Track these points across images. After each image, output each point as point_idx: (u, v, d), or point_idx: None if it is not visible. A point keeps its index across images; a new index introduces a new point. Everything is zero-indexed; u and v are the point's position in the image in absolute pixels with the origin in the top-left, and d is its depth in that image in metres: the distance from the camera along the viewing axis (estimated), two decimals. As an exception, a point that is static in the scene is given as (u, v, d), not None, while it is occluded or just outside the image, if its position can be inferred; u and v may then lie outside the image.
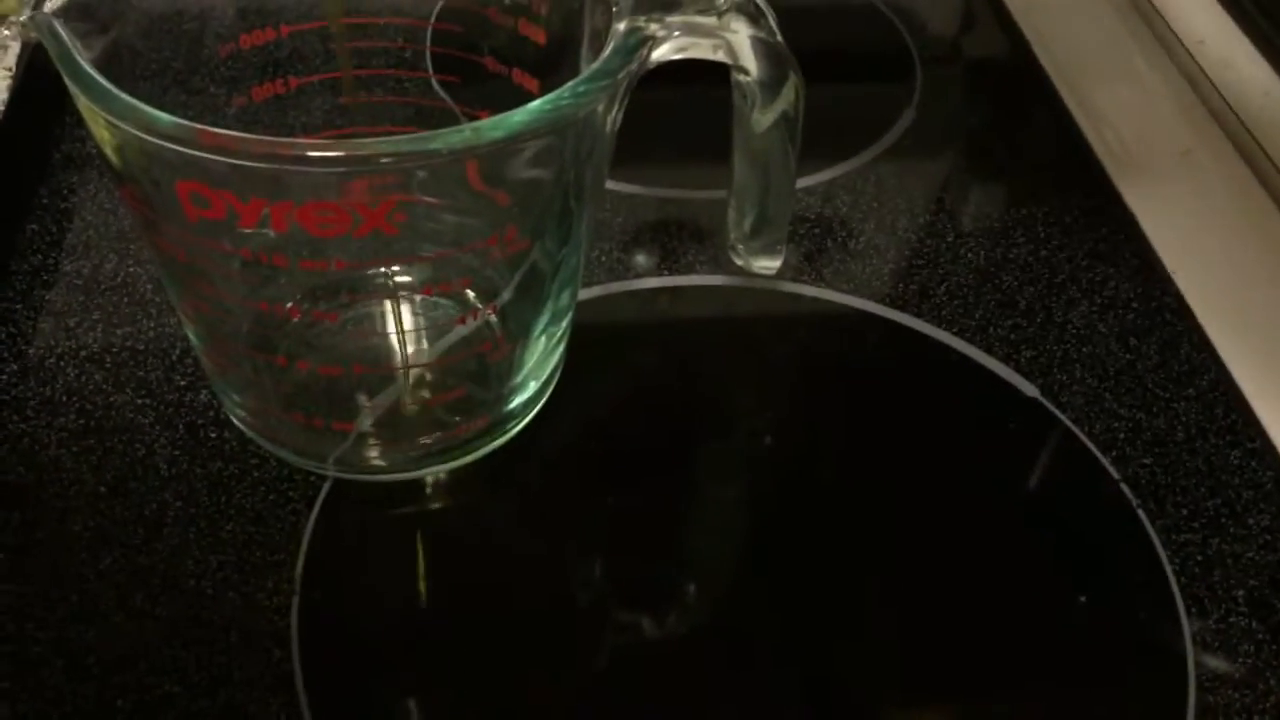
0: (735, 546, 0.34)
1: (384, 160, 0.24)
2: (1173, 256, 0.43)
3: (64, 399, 0.35)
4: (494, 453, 0.34)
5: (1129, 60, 0.53)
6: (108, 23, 0.28)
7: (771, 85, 0.29)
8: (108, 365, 0.36)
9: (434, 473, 0.33)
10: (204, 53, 0.32)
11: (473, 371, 0.33)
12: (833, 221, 0.43)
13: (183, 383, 0.36)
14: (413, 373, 0.31)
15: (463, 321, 0.31)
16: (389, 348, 0.31)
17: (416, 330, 0.32)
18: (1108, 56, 0.53)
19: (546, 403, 0.35)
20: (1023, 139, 0.49)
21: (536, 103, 0.25)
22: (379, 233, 0.25)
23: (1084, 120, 0.48)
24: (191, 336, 0.32)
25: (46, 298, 0.38)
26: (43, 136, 0.43)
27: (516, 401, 0.33)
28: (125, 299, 0.38)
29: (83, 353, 0.36)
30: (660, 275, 0.40)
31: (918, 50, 0.51)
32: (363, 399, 0.32)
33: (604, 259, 0.40)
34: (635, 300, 0.40)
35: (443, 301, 0.33)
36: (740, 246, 0.35)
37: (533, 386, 0.33)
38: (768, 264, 0.35)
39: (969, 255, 0.42)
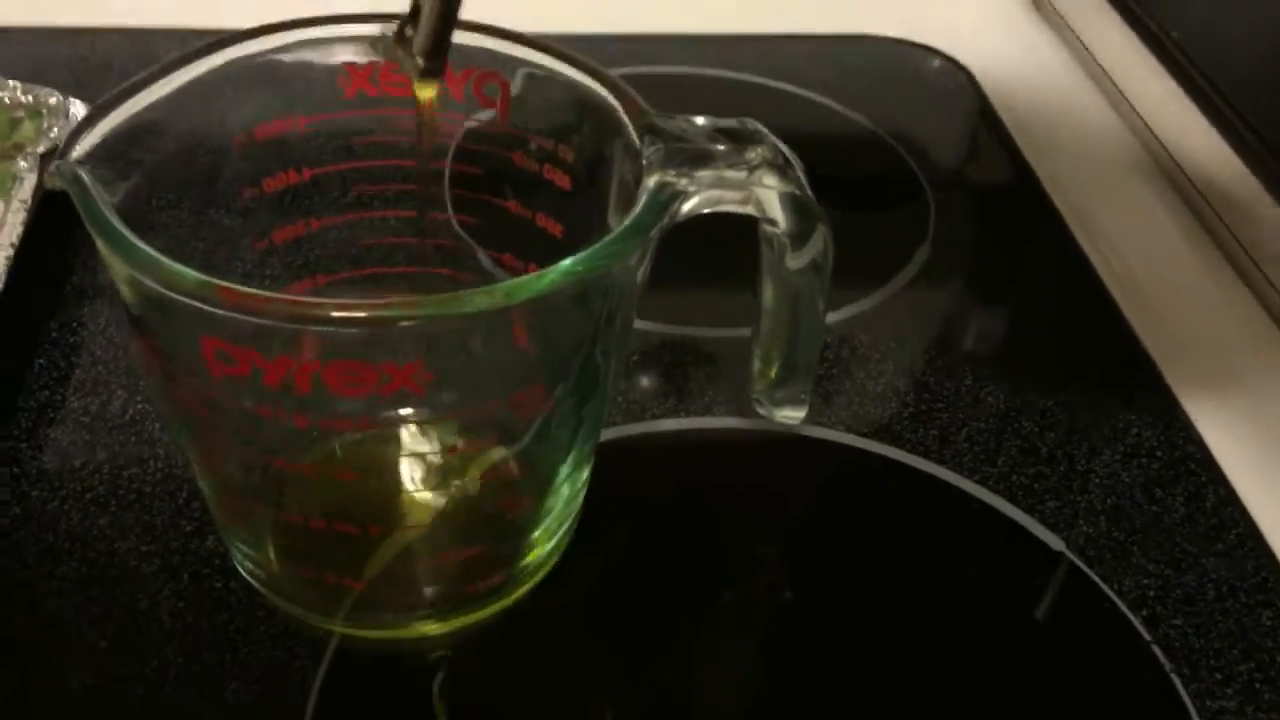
0: (756, 707, 0.33)
1: (411, 322, 0.23)
2: (1193, 402, 0.42)
3: (66, 545, 0.34)
4: (508, 608, 0.33)
5: (1133, 191, 0.53)
6: (130, 167, 0.28)
7: (800, 237, 0.29)
8: (113, 509, 0.35)
9: (445, 629, 0.32)
10: (225, 193, 0.32)
11: (490, 528, 0.32)
12: (851, 362, 0.42)
13: (189, 528, 0.35)
14: (429, 531, 0.30)
15: (484, 479, 0.30)
16: (406, 506, 0.30)
17: (435, 489, 0.31)
18: (1112, 187, 0.53)
19: (563, 556, 0.34)
20: (1037, 275, 0.49)
21: (568, 262, 0.24)
22: (405, 392, 0.25)
23: (1092, 252, 0.48)
24: (201, 485, 0.32)
25: (52, 436, 0.37)
26: (56, 267, 0.43)
27: (532, 557, 0.32)
28: (133, 438, 0.37)
29: (88, 495, 0.35)
30: (677, 417, 0.40)
31: (928, 181, 0.52)
32: (376, 556, 0.31)
33: (620, 399, 0.40)
34: (652, 443, 0.39)
35: (464, 459, 0.33)
36: (764, 398, 0.34)
37: (550, 542, 0.32)
38: (792, 414, 0.34)
39: (989, 399, 0.42)
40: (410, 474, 0.32)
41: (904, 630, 0.34)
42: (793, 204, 0.28)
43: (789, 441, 0.39)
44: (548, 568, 0.33)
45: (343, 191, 0.33)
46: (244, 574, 0.33)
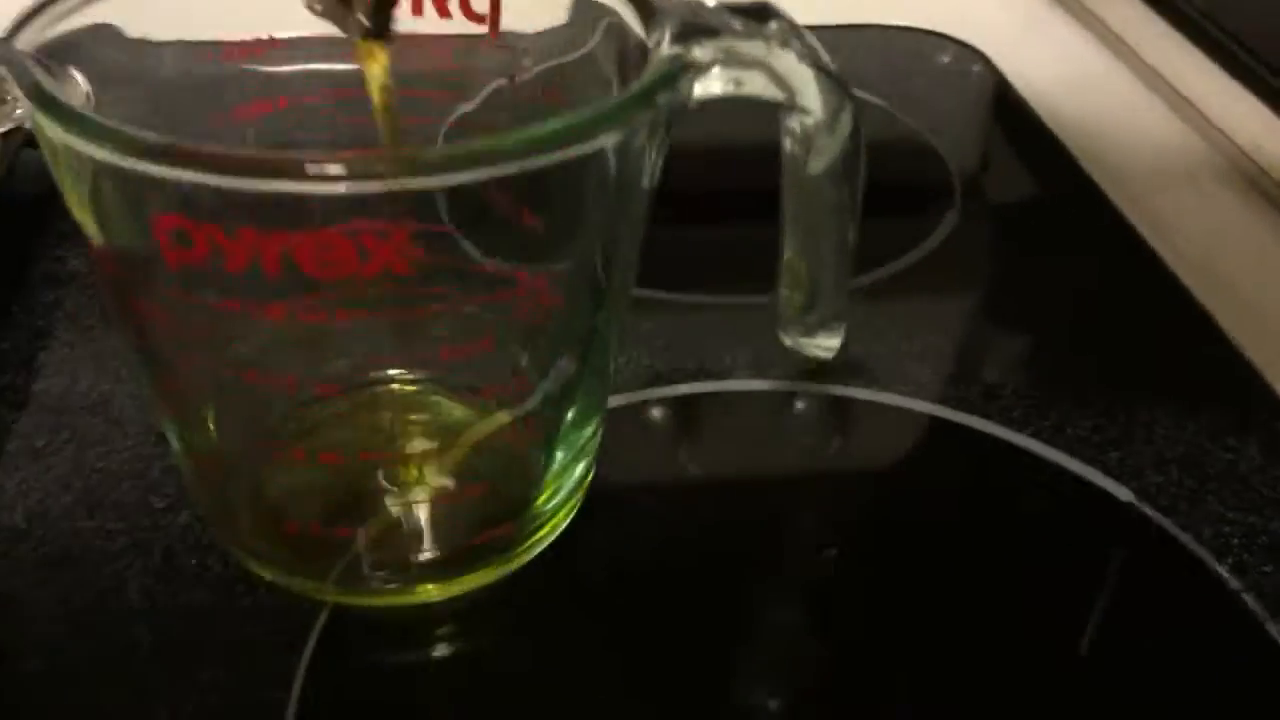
0: (797, 688, 0.29)
1: (393, 173, 0.20)
2: (1258, 351, 0.39)
3: (23, 526, 0.30)
4: (516, 575, 0.29)
5: (1174, 159, 0.50)
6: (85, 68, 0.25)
7: (828, 120, 0.26)
8: (76, 488, 0.32)
9: (447, 594, 0.28)
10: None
11: (495, 466, 0.28)
12: (882, 324, 0.39)
13: (160, 505, 0.31)
14: (427, 463, 0.27)
15: (483, 394, 0.27)
16: (401, 432, 0.27)
17: (432, 414, 0.27)
18: (1154, 160, 0.50)
19: (574, 520, 0.30)
20: (1076, 234, 0.46)
21: (570, 113, 0.21)
22: (390, 273, 0.21)
23: (1131, 211, 0.45)
24: (173, 440, 0.28)
25: (11, 419, 0.34)
26: (20, 253, 0.40)
27: (543, 504, 0.28)
28: (100, 418, 0.34)
29: (49, 474, 0.32)
30: (696, 381, 0.36)
31: (949, 153, 0.49)
32: (371, 500, 0.27)
33: (632, 365, 0.36)
34: (668, 408, 0.35)
35: (465, 375, 0.29)
36: (793, 327, 0.31)
37: (560, 492, 0.29)
38: (826, 343, 0.31)
39: (1040, 356, 0.38)
40: (403, 396, 0.29)
41: (968, 595, 0.31)
42: (818, 79, 0.25)
43: (820, 400, 0.36)
44: (558, 525, 0.29)
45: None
46: (224, 543, 0.29)
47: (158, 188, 0.21)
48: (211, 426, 0.28)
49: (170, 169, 0.20)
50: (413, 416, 0.31)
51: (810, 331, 0.30)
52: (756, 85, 0.25)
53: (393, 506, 0.27)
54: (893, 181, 0.46)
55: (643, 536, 0.32)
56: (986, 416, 0.35)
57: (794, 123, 0.26)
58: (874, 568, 0.31)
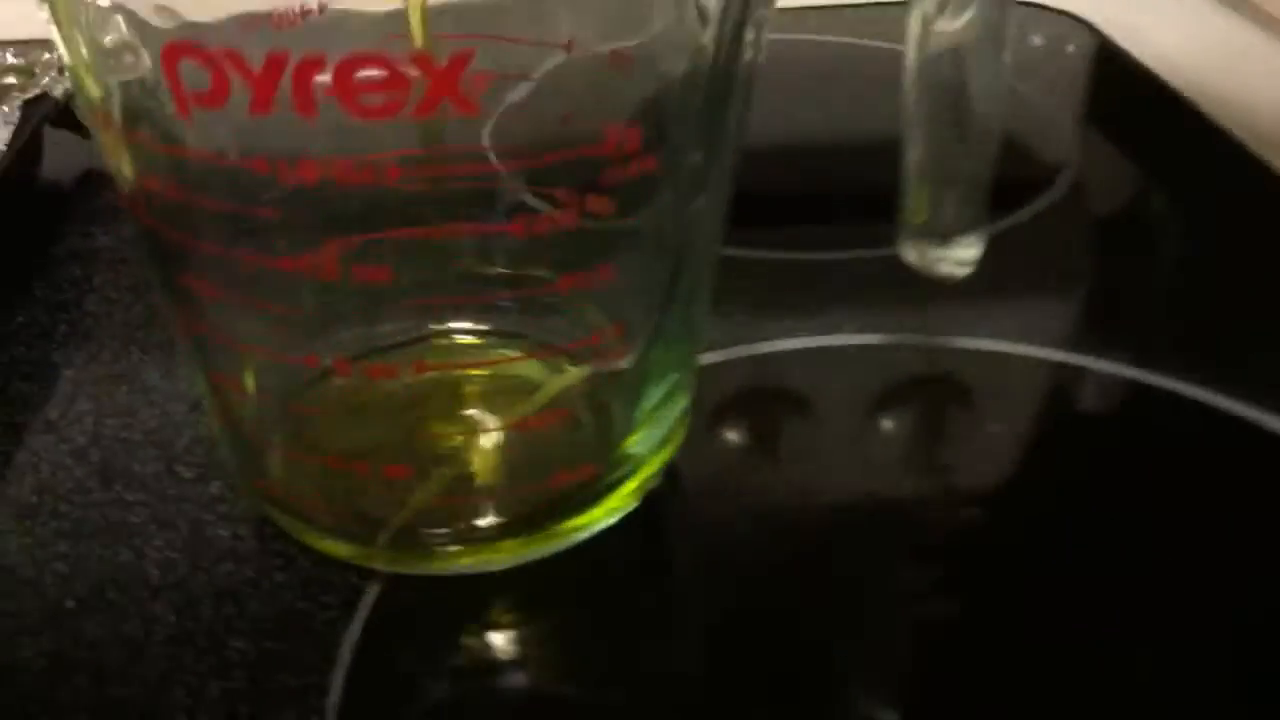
0: (947, 691, 0.24)
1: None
2: None
3: (33, 500, 0.26)
4: (596, 541, 0.24)
5: None
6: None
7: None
8: (93, 460, 0.28)
9: (521, 557, 0.24)
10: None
11: (576, 397, 0.24)
12: (1004, 274, 0.34)
13: (189, 475, 0.27)
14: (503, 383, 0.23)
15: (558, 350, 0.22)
16: (464, 389, 0.23)
17: (499, 370, 0.23)
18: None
19: (666, 480, 0.26)
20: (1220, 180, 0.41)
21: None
22: (449, 110, 0.17)
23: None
24: (206, 398, 0.24)
25: (25, 389, 0.30)
26: (47, 233, 0.36)
27: (632, 449, 0.24)
28: (124, 389, 0.30)
29: (63, 445, 0.28)
30: (798, 337, 0.32)
31: (1063, 111, 0.44)
32: (427, 441, 0.23)
33: (727, 323, 0.32)
34: (770, 365, 0.31)
35: (534, 328, 0.25)
36: (920, 237, 0.26)
37: (653, 435, 0.24)
38: (963, 254, 0.26)
39: (1184, 294, 0.33)
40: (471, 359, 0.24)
41: (1147, 565, 0.25)
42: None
43: (943, 354, 0.31)
44: (649, 478, 0.25)
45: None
46: (259, 508, 0.25)
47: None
48: (251, 381, 0.24)
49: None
50: (475, 372, 0.26)
51: (943, 240, 0.25)
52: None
53: (454, 450, 0.23)
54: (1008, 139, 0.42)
55: (749, 502, 0.27)
56: (1142, 365, 0.30)
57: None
58: (1024, 538, 0.26)
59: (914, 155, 0.25)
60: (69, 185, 0.39)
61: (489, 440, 0.23)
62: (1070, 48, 0.51)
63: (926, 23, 0.23)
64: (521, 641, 0.24)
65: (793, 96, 0.44)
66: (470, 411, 0.24)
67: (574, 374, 0.26)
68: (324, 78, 0.17)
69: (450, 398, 0.24)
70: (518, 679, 0.23)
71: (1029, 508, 0.27)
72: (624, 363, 0.24)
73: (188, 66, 0.17)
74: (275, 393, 0.23)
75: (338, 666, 0.23)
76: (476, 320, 0.26)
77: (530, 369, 0.26)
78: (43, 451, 0.28)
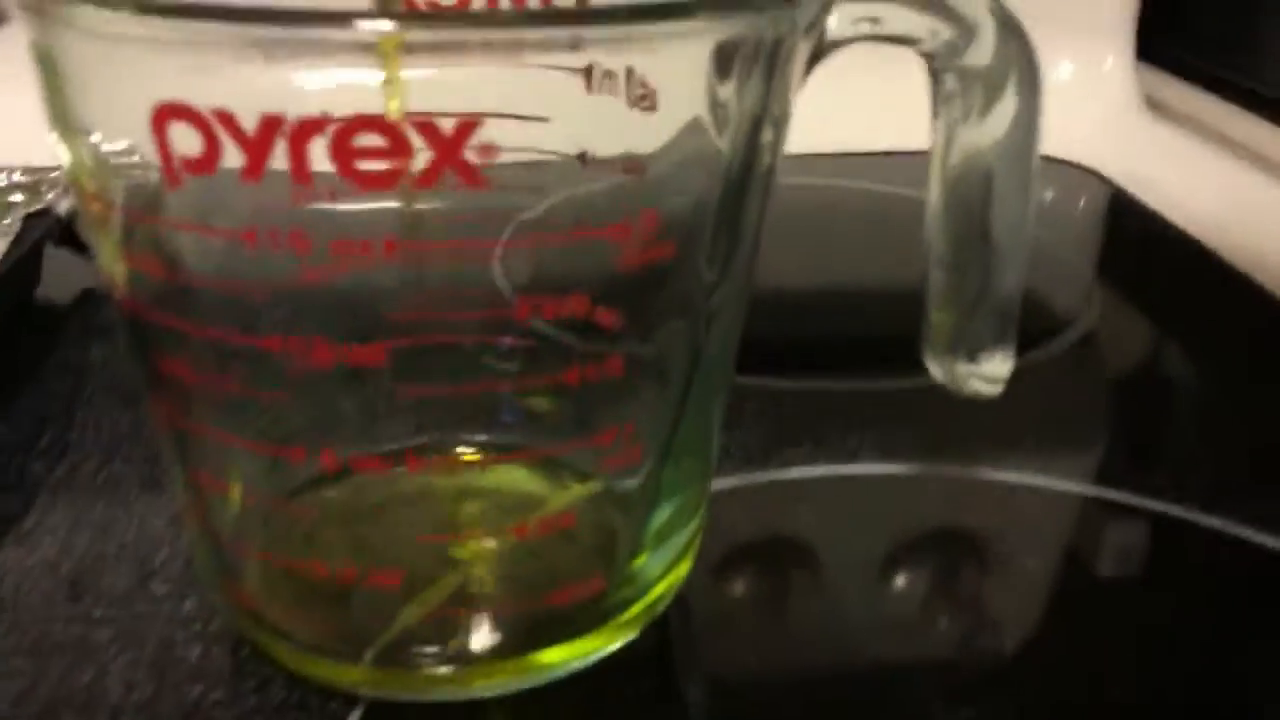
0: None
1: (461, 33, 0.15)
2: None
3: (-5, 612, 0.25)
4: (595, 672, 0.22)
5: None
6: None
7: (997, 68, 0.21)
8: (62, 573, 0.26)
9: (519, 682, 0.22)
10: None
11: (583, 508, 0.22)
12: (1031, 406, 0.33)
13: (162, 591, 0.25)
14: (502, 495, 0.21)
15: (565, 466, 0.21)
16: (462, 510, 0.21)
17: (501, 488, 0.22)
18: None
19: (675, 604, 0.24)
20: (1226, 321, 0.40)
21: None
22: (450, 181, 0.16)
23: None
24: (181, 484, 0.22)
25: (1, 500, 0.28)
26: (42, 347, 0.35)
27: (641, 567, 0.22)
28: (103, 502, 0.28)
29: (33, 556, 0.26)
30: (814, 465, 0.30)
31: (1078, 259, 0.43)
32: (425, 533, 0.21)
33: (737, 452, 0.30)
34: (787, 494, 0.29)
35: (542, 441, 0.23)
36: (948, 351, 0.24)
37: (660, 558, 0.23)
38: (993, 371, 0.24)
39: (1216, 427, 0.32)
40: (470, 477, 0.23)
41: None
42: (989, 13, 0.21)
43: (971, 488, 0.29)
44: (657, 602, 0.23)
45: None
46: (234, 622, 0.23)
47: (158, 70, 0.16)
48: (233, 480, 0.23)
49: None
50: (477, 484, 0.25)
51: (971, 354, 0.24)
52: (898, 22, 0.21)
53: (449, 560, 0.21)
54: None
55: (760, 641, 0.25)
56: (1177, 501, 0.29)
57: (953, 78, 0.21)
58: (1054, 683, 0.24)
59: (935, 262, 0.24)
60: (67, 303, 0.38)
61: (488, 550, 0.22)
62: (1082, 200, 0.51)
63: (951, 132, 0.22)
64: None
65: (811, 238, 0.44)
66: (467, 519, 0.23)
67: (581, 489, 0.24)
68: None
69: (447, 506, 0.23)
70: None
71: (1055, 644, 0.25)
72: (634, 478, 0.23)
73: (177, 130, 0.16)
74: (258, 494, 0.22)
75: (309, 802, 0.20)
76: (479, 430, 0.25)
77: (535, 484, 0.25)
78: (10, 563, 0.26)
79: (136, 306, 0.20)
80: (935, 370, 0.25)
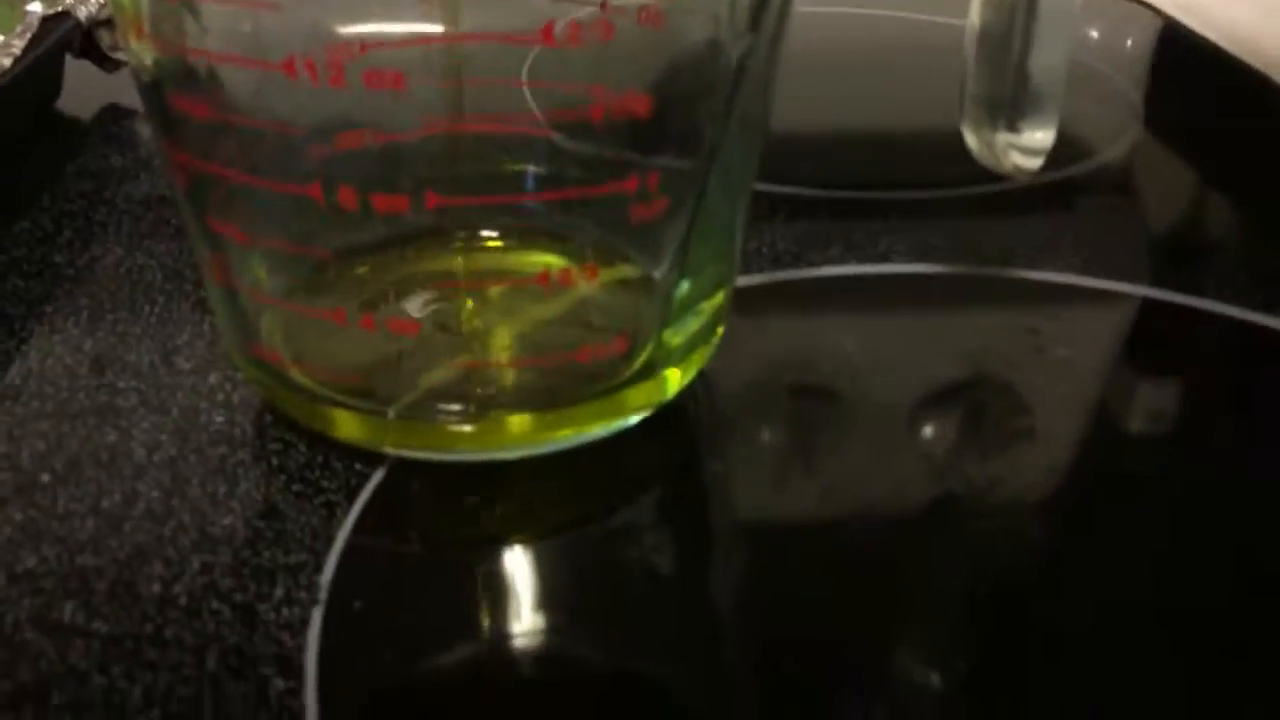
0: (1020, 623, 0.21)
1: None
2: None
3: (18, 383, 0.25)
4: (614, 443, 0.22)
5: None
6: None
7: None
8: (85, 350, 0.26)
9: (541, 440, 0.21)
10: None
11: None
12: (1069, 216, 0.32)
13: (187, 366, 0.25)
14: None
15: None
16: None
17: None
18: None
19: (698, 384, 0.24)
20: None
21: None
22: None
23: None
24: (200, 237, 0.22)
25: (22, 286, 0.28)
26: (62, 154, 0.35)
27: (665, 337, 0.22)
28: (125, 287, 0.28)
29: (56, 337, 0.26)
30: (843, 264, 0.29)
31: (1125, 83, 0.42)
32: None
33: (765, 250, 0.30)
34: (813, 289, 0.29)
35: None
36: (986, 125, 0.24)
37: (685, 328, 0.22)
38: (1034, 141, 0.24)
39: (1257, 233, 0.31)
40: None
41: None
42: None
43: (1009, 285, 0.29)
44: (680, 376, 0.22)
45: None
46: (259, 376, 0.23)
47: None
48: (256, 242, 0.22)
49: None
50: (497, 250, 0.24)
51: (1011, 123, 0.23)
52: None
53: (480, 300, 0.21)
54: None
55: (782, 422, 0.25)
56: (1224, 299, 0.28)
57: None
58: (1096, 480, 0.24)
59: (980, 45, 0.23)
60: (88, 117, 0.37)
61: (511, 301, 0.21)
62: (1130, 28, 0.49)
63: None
64: (525, 540, 0.22)
65: (847, 65, 0.43)
66: (488, 266, 0.22)
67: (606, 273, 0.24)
68: None
69: (465, 259, 0.22)
70: (520, 574, 0.21)
71: (1096, 434, 0.25)
72: (658, 244, 0.22)
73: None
74: (279, 240, 0.21)
75: (335, 542, 0.20)
76: (505, 219, 0.24)
77: (556, 258, 0.24)
78: (33, 341, 0.26)
79: (160, 45, 0.20)
80: (972, 142, 0.24)
